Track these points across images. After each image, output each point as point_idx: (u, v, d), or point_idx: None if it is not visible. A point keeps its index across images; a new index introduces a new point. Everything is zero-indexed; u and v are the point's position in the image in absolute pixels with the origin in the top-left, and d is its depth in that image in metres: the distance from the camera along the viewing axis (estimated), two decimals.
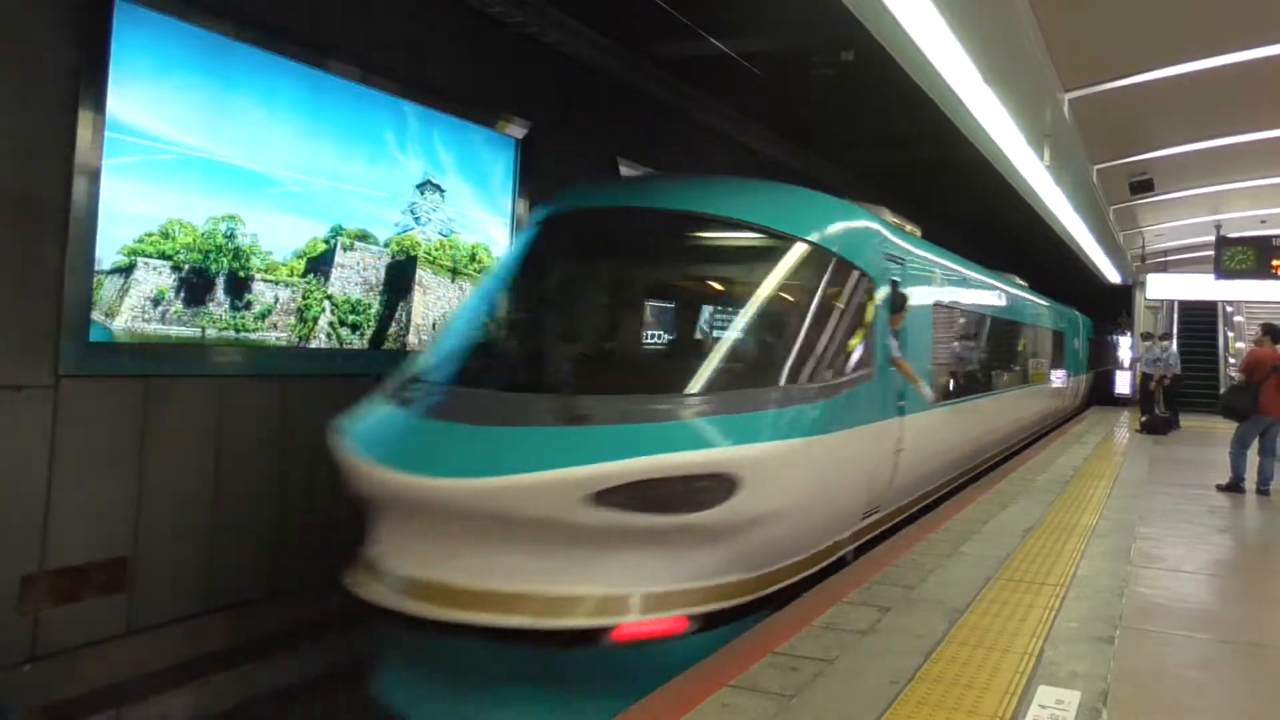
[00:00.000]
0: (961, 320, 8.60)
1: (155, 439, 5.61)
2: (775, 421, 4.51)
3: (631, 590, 4.15)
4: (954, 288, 8.25)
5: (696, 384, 4.55)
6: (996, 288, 10.27)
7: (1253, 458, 9.01)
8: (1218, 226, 13.99)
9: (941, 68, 5.95)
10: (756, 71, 9.47)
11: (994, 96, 6.72)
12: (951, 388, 7.89)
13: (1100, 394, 22.51)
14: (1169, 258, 18.32)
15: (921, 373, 6.57)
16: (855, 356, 5.34)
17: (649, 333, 5.68)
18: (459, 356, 5.05)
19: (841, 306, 5.24)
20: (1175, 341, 18.64)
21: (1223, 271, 12.32)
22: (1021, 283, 12.77)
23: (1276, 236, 12.17)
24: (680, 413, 4.32)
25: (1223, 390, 10.25)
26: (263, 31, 6.15)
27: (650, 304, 5.72)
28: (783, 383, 4.70)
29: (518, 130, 8.50)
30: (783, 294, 5.10)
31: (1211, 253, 12.97)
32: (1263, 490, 8.86)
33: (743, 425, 4.35)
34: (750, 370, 4.75)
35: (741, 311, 5.00)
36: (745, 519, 4.31)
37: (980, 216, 16.55)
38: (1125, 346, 24.99)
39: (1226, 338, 20.74)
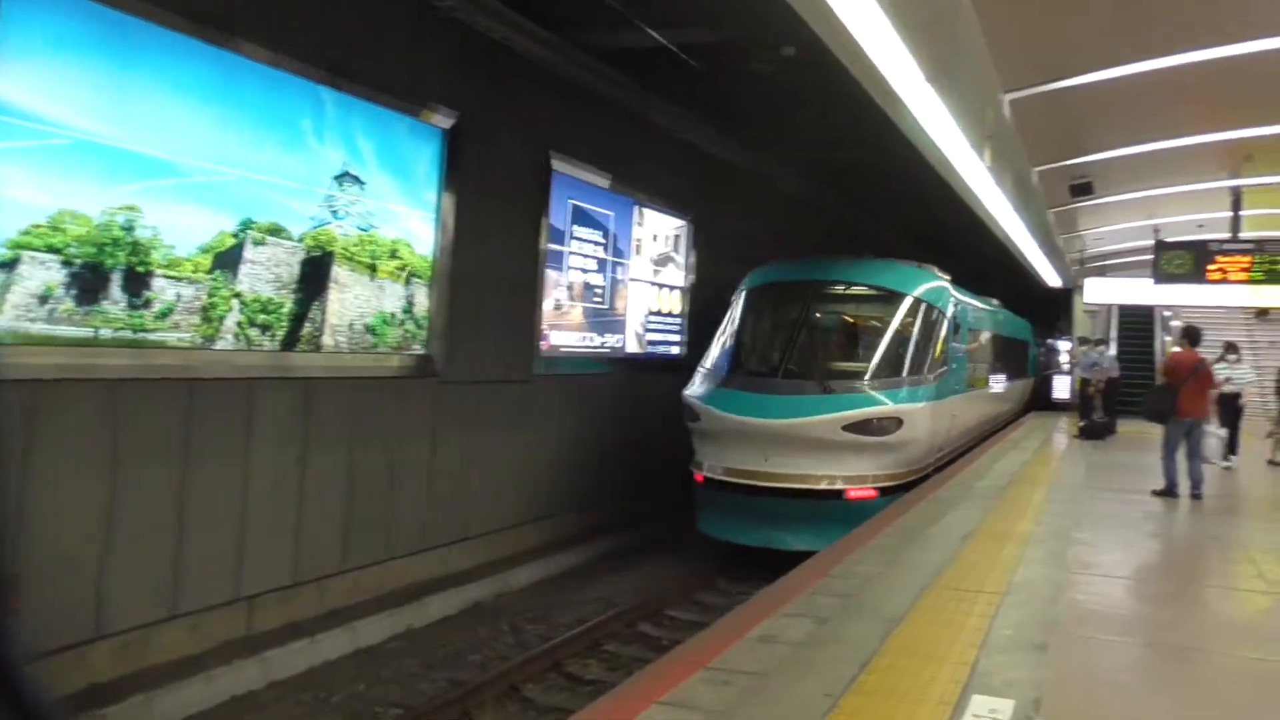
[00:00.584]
0: (980, 337, 13.79)
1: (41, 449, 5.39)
2: (916, 393, 9.59)
3: (854, 473, 8.90)
4: (977, 315, 13.61)
5: (880, 373, 9.57)
6: (995, 310, 15.86)
7: (1184, 462, 9.27)
8: (1156, 230, 14.33)
9: (883, 65, 6.04)
10: (694, 65, 9.53)
11: (936, 95, 6.85)
12: (972, 381, 12.76)
13: (1039, 399, 23.33)
14: (1108, 261, 18.96)
15: (963, 370, 11.91)
16: (941, 360, 10.29)
17: (848, 347, 10.28)
18: (745, 360, 9.94)
19: (934, 332, 10.21)
20: (1114, 346, 19.30)
21: (1161, 276, 12.71)
22: (997, 303, 16.99)
23: (1212, 241, 12.70)
24: (876, 387, 9.38)
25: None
26: (169, 9, 5.97)
27: (847, 332, 10.51)
28: (917, 373, 9.74)
29: (444, 120, 8.41)
30: (909, 326, 10.00)
31: (1150, 256, 13.37)
32: (1196, 494, 9.11)
33: (904, 394, 9.43)
34: (901, 366, 9.70)
35: (892, 336, 9.92)
36: (904, 440, 9.21)
37: (921, 217, 16.92)
38: (1064, 351, 25.64)
39: (1163, 342, 21.59)
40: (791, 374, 9.42)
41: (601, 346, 11.09)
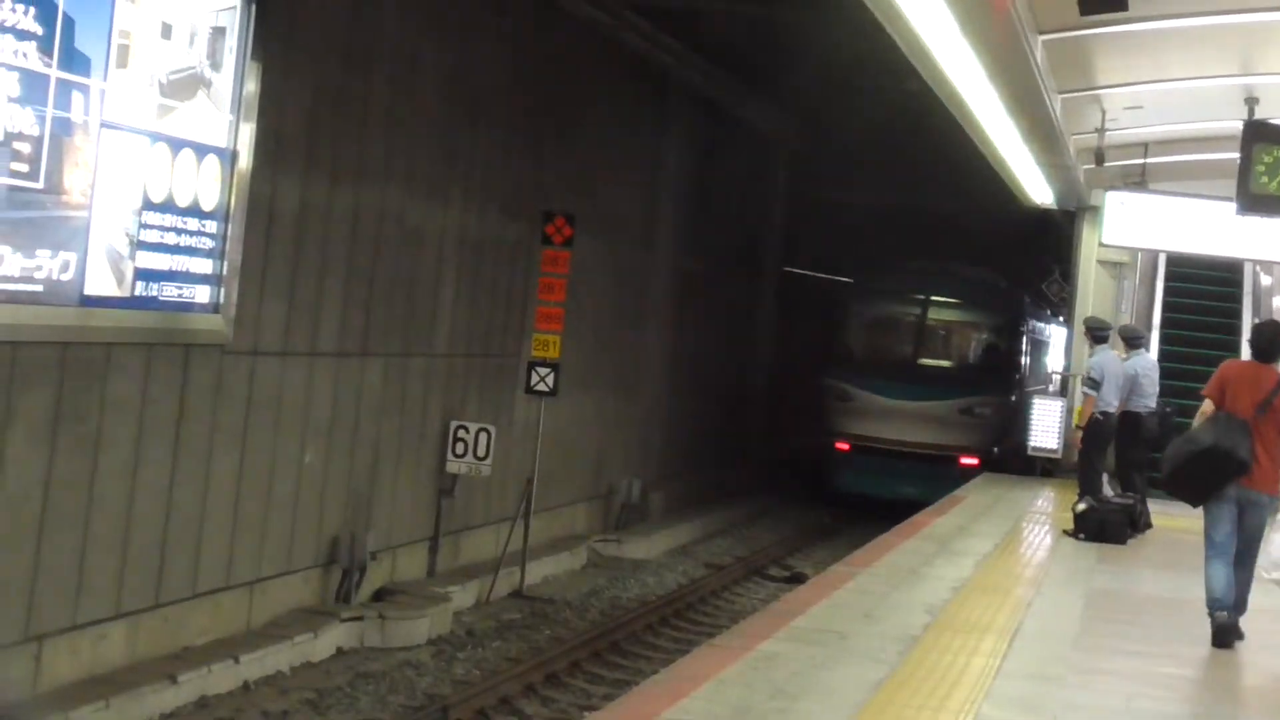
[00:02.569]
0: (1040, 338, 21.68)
1: None
2: (1006, 387, 18.79)
3: (967, 444, 17.36)
4: (1040, 317, 21.26)
5: (982, 370, 18.65)
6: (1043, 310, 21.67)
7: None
8: (1251, 101, 9.71)
9: None
10: None
11: None
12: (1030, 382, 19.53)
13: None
14: (1150, 159, 13.07)
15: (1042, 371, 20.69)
16: (1027, 370, 19.34)
17: (958, 348, 19.02)
18: (883, 356, 18.69)
19: (1016, 339, 19.06)
20: (1155, 340, 13.48)
21: (1250, 198, 8.63)
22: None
23: None
24: (981, 381, 18.39)
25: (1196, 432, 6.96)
26: None
27: (958, 336, 19.17)
28: (1007, 373, 18.69)
29: None
30: (1002, 333, 18.80)
31: (1233, 155, 9.15)
32: (1221, 638, 6.85)
33: (998, 388, 18.44)
34: (997, 367, 18.59)
35: (990, 341, 18.91)
36: (994, 425, 18.11)
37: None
38: (1056, 344, 19.11)
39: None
40: (922, 368, 17.53)
41: (29, 278, 6.72)
